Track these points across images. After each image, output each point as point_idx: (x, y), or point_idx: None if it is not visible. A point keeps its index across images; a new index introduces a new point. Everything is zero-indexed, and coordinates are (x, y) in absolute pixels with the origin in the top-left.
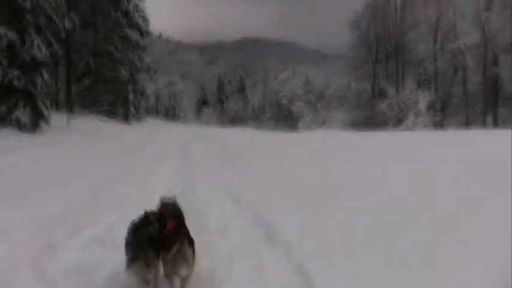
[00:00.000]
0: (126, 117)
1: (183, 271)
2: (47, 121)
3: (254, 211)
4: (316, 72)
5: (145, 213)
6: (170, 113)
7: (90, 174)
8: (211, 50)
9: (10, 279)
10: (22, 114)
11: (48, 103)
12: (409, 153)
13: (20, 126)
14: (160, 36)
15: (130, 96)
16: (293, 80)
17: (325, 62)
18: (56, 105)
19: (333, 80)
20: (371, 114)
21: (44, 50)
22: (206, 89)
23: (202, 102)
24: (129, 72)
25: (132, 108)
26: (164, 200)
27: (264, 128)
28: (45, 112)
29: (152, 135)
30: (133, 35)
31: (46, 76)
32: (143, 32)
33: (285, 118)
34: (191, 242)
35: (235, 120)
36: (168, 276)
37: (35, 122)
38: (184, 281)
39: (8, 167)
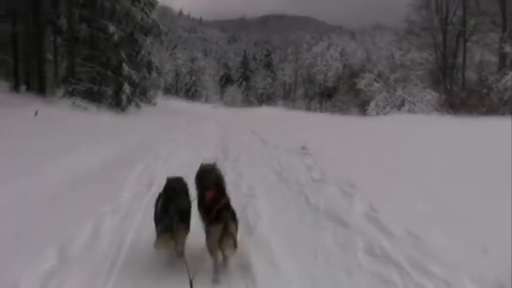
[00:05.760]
0: (117, 101)
1: (229, 250)
2: None
3: None
4: (354, 45)
5: (168, 180)
6: (191, 91)
7: None
8: (233, 27)
9: None
10: None
11: None
12: None
13: None
14: (180, 13)
15: (125, 68)
16: (329, 53)
17: (360, 35)
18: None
19: (374, 53)
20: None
21: None
22: (229, 66)
23: (226, 80)
24: (127, 31)
25: (126, 87)
26: (204, 166)
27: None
28: None
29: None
30: None
31: None
32: None
33: (320, 96)
34: (234, 216)
35: (263, 98)
36: (212, 251)
37: None
38: (228, 257)
39: None
